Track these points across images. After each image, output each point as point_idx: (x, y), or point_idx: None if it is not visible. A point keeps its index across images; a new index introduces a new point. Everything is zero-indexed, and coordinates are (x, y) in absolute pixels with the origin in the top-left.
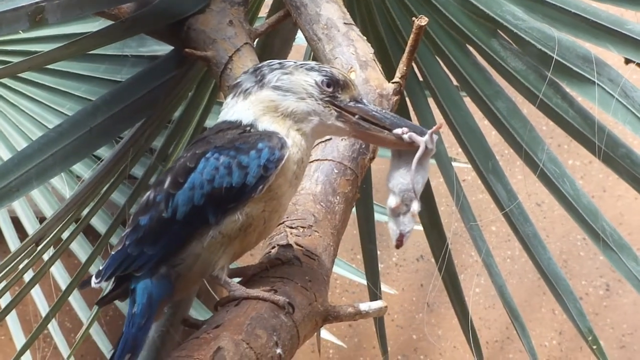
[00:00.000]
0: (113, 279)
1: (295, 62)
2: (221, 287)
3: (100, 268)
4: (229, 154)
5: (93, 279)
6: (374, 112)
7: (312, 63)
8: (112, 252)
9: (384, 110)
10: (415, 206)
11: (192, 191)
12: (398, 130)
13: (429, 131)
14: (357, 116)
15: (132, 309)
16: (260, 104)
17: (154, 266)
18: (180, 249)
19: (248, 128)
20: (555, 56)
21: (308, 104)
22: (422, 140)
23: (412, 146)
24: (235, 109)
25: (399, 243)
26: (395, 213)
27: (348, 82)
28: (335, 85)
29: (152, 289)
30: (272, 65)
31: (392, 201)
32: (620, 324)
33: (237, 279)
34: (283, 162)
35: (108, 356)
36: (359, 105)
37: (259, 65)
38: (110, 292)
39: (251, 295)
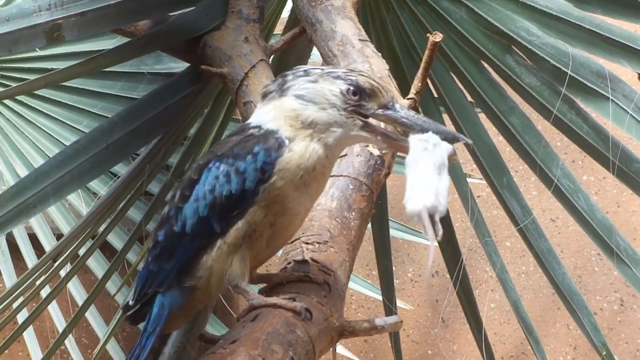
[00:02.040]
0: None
1: (322, 69)
2: (237, 304)
3: (133, 287)
4: (228, 161)
5: (130, 300)
6: (403, 120)
7: (340, 70)
8: (139, 271)
9: (414, 115)
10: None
11: (196, 203)
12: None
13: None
14: (383, 125)
15: (147, 321)
16: (281, 111)
17: (173, 281)
18: (193, 262)
19: (255, 130)
20: (569, 72)
21: (330, 115)
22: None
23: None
24: (257, 113)
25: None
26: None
27: (376, 89)
28: (362, 94)
29: (164, 299)
30: (297, 72)
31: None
32: (634, 338)
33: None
34: (281, 161)
35: None
36: (388, 112)
37: (286, 72)
38: (141, 309)
39: (269, 303)
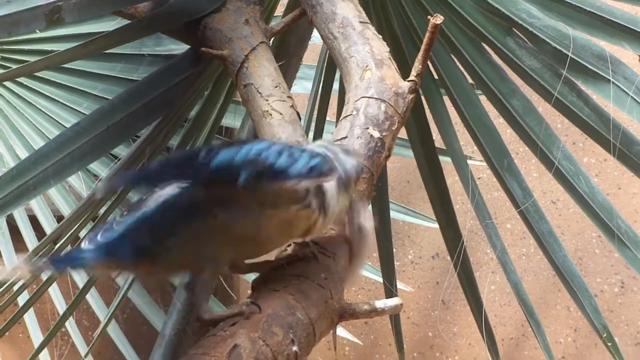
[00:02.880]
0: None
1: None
2: (237, 285)
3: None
4: (286, 145)
5: None
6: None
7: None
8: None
9: None
10: None
11: (236, 150)
12: None
13: None
14: None
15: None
16: None
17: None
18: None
19: None
20: (570, 54)
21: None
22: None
23: None
24: None
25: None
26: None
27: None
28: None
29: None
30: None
31: None
32: (635, 321)
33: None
34: (324, 177)
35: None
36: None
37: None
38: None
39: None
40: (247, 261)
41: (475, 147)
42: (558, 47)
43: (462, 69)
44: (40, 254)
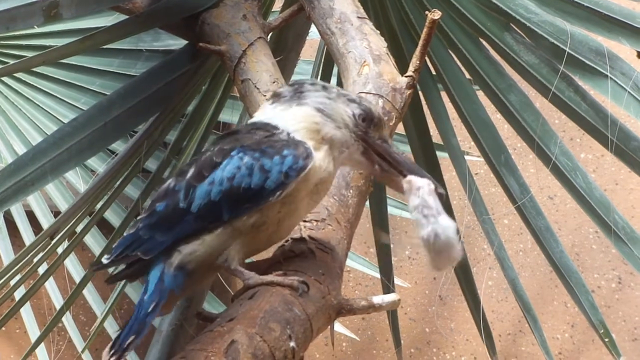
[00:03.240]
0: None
1: (338, 90)
2: (235, 282)
3: (113, 247)
4: (254, 155)
5: (104, 258)
6: (396, 155)
7: (354, 95)
8: (125, 234)
9: (404, 154)
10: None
11: (211, 186)
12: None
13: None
14: (379, 156)
15: (144, 295)
16: (301, 119)
17: (165, 252)
18: (190, 238)
19: (280, 133)
20: (567, 50)
21: (344, 134)
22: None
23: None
24: (275, 114)
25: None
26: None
27: (382, 121)
28: (370, 122)
29: (164, 277)
30: (315, 85)
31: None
32: (632, 316)
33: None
34: (306, 171)
35: (113, 337)
36: (385, 145)
37: (302, 80)
38: (121, 272)
39: (265, 281)
40: (246, 260)
41: (473, 143)
42: (555, 42)
43: (459, 64)
44: (37, 248)
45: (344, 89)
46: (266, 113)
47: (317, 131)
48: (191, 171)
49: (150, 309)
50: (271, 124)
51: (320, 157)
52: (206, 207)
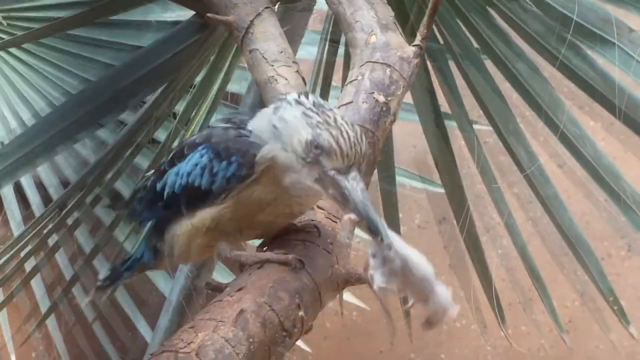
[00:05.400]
0: (109, 272)
1: (311, 106)
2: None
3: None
4: (211, 155)
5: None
6: (344, 191)
7: (317, 119)
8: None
9: (358, 192)
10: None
11: (176, 177)
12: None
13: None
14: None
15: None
16: (261, 129)
17: (154, 227)
18: (163, 225)
19: (248, 136)
20: (575, 18)
21: (288, 158)
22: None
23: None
24: (257, 117)
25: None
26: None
27: (333, 151)
28: (322, 150)
29: (144, 249)
30: (291, 98)
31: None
32: None
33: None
34: (247, 182)
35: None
36: (337, 177)
37: (301, 92)
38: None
39: (261, 259)
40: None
41: (481, 112)
42: (563, 10)
43: (467, 33)
44: (47, 219)
45: (351, 65)
46: (258, 115)
47: (269, 150)
48: (170, 156)
49: (125, 267)
50: (247, 127)
51: (264, 179)
52: (170, 198)
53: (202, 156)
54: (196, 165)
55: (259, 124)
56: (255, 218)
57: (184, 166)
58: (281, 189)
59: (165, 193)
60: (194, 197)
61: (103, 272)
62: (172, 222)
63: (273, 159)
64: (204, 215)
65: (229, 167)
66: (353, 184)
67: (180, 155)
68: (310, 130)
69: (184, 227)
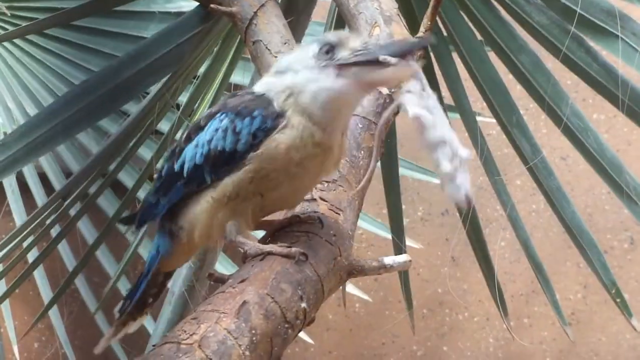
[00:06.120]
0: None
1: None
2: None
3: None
4: (231, 117)
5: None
6: (371, 47)
7: (317, 38)
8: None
9: (374, 43)
10: (464, 153)
11: (196, 149)
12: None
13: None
14: (354, 64)
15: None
16: (266, 85)
17: (167, 217)
18: (180, 207)
19: (263, 95)
20: (579, 10)
21: (303, 75)
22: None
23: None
24: (264, 81)
25: (469, 202)
26: (450, 176)
27: (342, 37)
28: (332, 47)
29: (158, 242)
30: (297, 47)
31: (446, 166)
32: None
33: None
34: (276, 132)
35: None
36: (357, 52)
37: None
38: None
39: (264, 251)
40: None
41: (485, 104)
42: (567, 2)
43: (471, 25)
44: (50, 210)
45: None
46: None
47: (281, 92)
48: (184, 134)
49: (144, 273)
50: (259, 91)
51: (292, 129)
52: (192, 170)
53: (221, 121)
54: (217, 130)
55: (265, 87)
56: (278, 182)
57: (204, 135)
58: (308, 131)
59: (186, 168)
60: (218, 163)
61: (118, 306)
62: (190, 204)
63: (289, 88)
64: (226, 183)
65: (253, 121)
66: (372, 41)
67: (197, 129)
68: (314, 45)
69: (204, 204)
